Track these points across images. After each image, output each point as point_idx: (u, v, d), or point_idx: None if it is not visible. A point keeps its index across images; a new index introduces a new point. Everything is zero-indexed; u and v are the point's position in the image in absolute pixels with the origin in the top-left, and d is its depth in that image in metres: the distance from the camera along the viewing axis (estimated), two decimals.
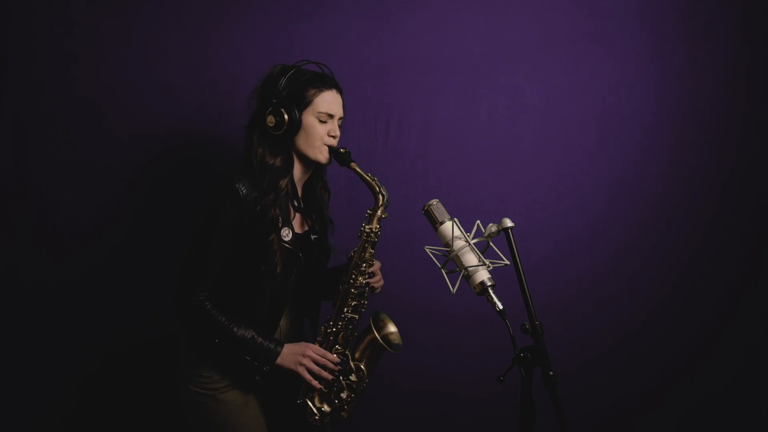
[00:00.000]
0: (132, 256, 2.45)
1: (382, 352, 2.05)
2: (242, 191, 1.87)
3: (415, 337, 2.65)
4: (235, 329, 1.87)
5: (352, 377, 2.02)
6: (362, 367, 2.02)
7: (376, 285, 2.07)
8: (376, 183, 1.98)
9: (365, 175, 1.97)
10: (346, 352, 2.03)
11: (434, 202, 1.78)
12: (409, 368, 2.67)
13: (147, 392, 2.47)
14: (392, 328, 2.08)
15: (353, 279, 2.00)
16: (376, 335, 2.02)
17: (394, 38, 2.65)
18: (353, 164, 1.97)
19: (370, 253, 2.00)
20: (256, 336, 1.89)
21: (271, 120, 1.93)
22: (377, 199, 1.98)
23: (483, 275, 1.68)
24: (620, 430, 2.84)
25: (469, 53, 2.70)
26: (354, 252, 2.02)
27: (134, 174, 2.46)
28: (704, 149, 2.84)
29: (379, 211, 1.98)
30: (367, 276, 2.01)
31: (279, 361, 1.91)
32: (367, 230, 1.98)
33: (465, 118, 2.71)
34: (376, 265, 2.06)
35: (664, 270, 2.83)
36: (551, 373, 1.57)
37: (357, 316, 2.02)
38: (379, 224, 1.99)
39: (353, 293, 2.00)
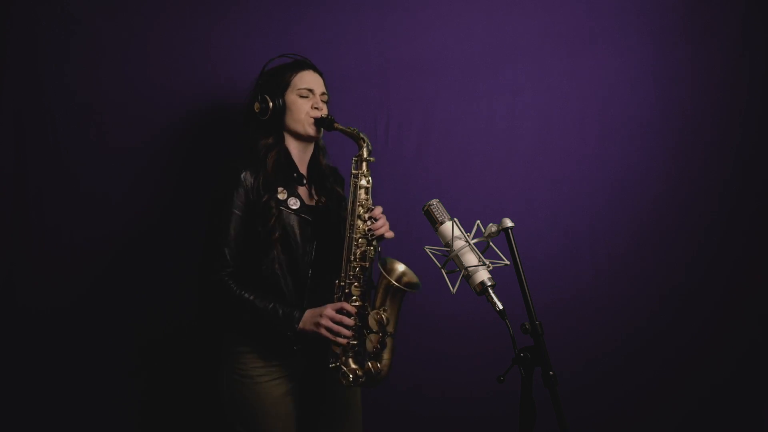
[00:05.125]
0: (134, 254, 2.45)
1: (402, 296, 2.03)
2: (246, 174, 2.01)
3: (415, 336, 2.66)
4: (257, 301, 1.96)
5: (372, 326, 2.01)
6: (382, 315, 2.00)
7: (379, 231, 2.07)
8: (356, 132, 2.07)
9: (347, 129, 2.08)
10: (366, 304, 2.03)
11: (434, 202, 1.78)
12: (409, 368, 2.67)
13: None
14: (401, 268, 2.06)
15: (353, 226, 2.04)
16: (390, 279, 2.00)
17: (394, 38, 2.65)
18: (336, 124, 2.09)
19: (365, 197, 2.06)
20: (277, 306, 1.97)
21: (257, 106, 2.10)
22: (359, 145, 2.08)
23: (483, 275, 1.68)
24: (620, 430, 2.84)
25: (469, 53, 2.70)
26: (350, 201, 2.07)
27: (134, 173, 2.46)
28: (704, 149, 2.84)
29: (364, 154, 2.07)
30: (368, 222, 2.05)
31: (300, 325, 1.97)
32: (356, 174, 2.07)
33: (465, 118, 2.71)
34: (377, 210, 2.09)
35: (664, 270, 2.83)
36: (551, 373, 1.57)
37: (366, 264, 2.05)
38: (368, 169, 2.07)
39: (357, 240, 2.04)
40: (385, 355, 2.02)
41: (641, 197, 2.82)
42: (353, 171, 2.08)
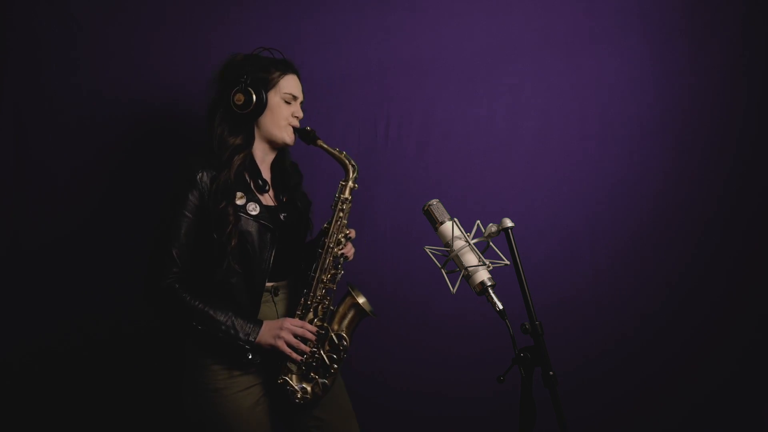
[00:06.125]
0: (134, 253, 2.45)
1: (359, 320, 2.07)
2: (201, 175, 1.89)
3: (415, 337, 2.66)
4: (211, 311, 1.86)
5: (332, 346, 2.03)
6: (344, 334, 2.03)
7: (348, 253, 2.09)
8: (345, 156, 2.04)
9: (333, 151, 2.04)
10: (325, 324, 2.02)
11: (434, 202, 1.78)
12: (409, 368, 2.68)
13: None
14: (362, 298, 2.09)
15: (330, 249, 2.02)
16: (357, 300, 2.05)
17: (394, 38, 2.65)
18: (320, 141, 2.04)
19: (344, 223, 2.04)
20: (233, 316, 1.88)
21: (239, 98, 1.96)
22: (347, 171, 2.04)
23: (483, 275, 1.68)
24: (620, 430, 2.84)
25: (469, 53, 2.70)
26: (328, 223, 2.04)
27: (135, 173, 2.46)
28: (704, 149, 2.84)
29: (350, 182, 2.04)
30: (342, 246, 2.05)
31: (258, 339, 1.90)
32: (344, 199, 2.04)
33: (465, 118, 2.71)
34: (351, 232, 2.09)
35: (664, 270, 2.83)
36: (551, 373, 1.57)
37: (334, 287, 2.04)
38: (351, 195, 2.05)
39: (329, 263, 2.02)
40: (333, 373, 2.04)
41: (641, 197, 2.82)
42: (338, 195, 2.04)
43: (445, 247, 1.74)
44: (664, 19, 2.79)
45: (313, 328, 1.99)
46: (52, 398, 2.43)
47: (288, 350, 1.93)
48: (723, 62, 2.83)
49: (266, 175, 2.07)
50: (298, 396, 1.99)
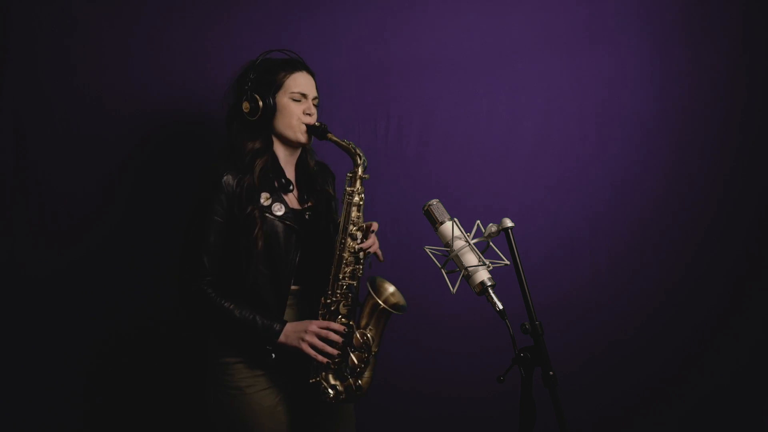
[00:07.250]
0: (133, 253, 2.45)
1: (387, 317, 2.01)
2: (228, 179, 1.93)
3: (416, 337, 2.66)
4: (237, 311, 1.90)
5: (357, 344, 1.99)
6: (368, 334, 1.99)
7: (371, 249, 2.03)
8: (352, 146, 2.00)
9: (342, 142, 2.00)
10: (351, 322, 2.00)
11: (434, 202, 1.78)
12: (409, 368, 2.67)
13: (153, 386, 2.48)
14: (391, 288, 2.04)
15: (343, 244, 1.99)
16: (377, 299, 1.99)
17: (394, 38, 2.65)
18: (330, 135, 2.01)
19: (357, 215, 2.00)
20: (257, 317, 1.91)
21: (246, 106, 2.00)
22: (355, 161, 2.00)
23: (483, 275, 1.68)
24: (620, 430, 2.84)
25: (469, 53, 2.70)
26: (340, 217, 2.02)
27: (135, 173, 2.46)
28: (704, 149, 2.84)
29: (359, 171, 2.00)
30: (359, 240, 2.00)
31: (282, 339, 1.92)
32: (350, 191, 2.00)
33: (465, 118, 2.71)
34: (375, 225, 2.05)
35: (664, 270, 2.83)
36: (551, 373, 1.57)
37: (355, 283, 2.01)
38: (362, 186, 2.01)
39: (346, 259, 1.99)
40: (366, 373, 2.00)
41: (641, 197, 2.82)
42: (347, 188, 2.00)
43: (445, 247, 1.74)
44: (664, 19, 2.80)
45: (340, 328, 1.96)
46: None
47: (313, 353, 1.92)
48: (723, 62, 2.83)
49: (290, 175, 2.08)
50: (331, 395, 1.97)
